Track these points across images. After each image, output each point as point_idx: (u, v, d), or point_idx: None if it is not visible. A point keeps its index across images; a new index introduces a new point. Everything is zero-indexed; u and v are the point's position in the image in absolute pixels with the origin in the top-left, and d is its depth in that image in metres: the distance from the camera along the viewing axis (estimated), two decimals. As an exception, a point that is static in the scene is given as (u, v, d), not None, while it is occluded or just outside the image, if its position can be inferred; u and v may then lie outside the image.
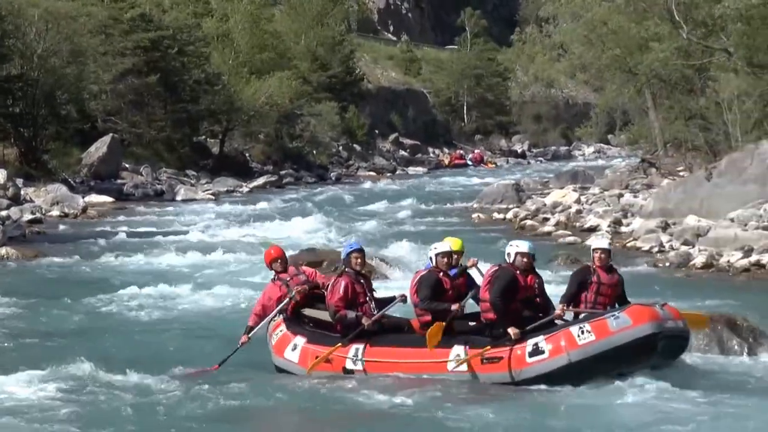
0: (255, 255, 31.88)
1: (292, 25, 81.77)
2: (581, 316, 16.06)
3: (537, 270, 16.83)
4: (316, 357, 16.16)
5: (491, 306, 15.49)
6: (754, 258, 30.11)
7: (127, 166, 58.12)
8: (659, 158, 53.01)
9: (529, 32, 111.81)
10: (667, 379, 15.45)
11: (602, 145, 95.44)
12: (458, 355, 15.50)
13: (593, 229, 39.10)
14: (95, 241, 36.71)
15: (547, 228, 41.39)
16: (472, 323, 16.27)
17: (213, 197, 56.85)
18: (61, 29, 52.99)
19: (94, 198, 50.76)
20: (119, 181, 55.92)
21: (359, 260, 16.27)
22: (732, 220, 33.62)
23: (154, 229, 41.26)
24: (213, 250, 34.64)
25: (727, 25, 41.30)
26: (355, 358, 16.14)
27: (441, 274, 15.85)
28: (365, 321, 15.67)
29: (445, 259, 16.11)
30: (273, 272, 17.05)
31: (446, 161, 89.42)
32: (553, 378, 15.15)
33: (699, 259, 31.10)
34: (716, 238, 32.61)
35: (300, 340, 16.41)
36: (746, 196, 34.93)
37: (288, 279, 16.65)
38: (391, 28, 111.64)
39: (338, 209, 51.58)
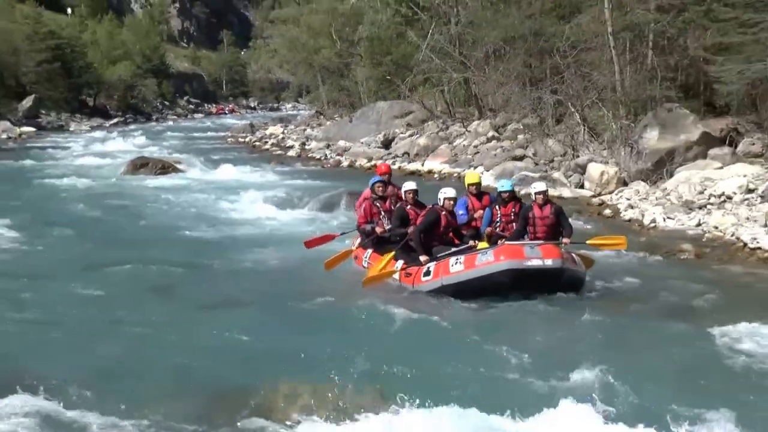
0: (118, 158, 40.91)
1: (131, 36, 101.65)
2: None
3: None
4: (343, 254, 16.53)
5: (413, 237, 15.17)
6: (373, 162, 36.50)
7: (42, 111, 75.41)
8: (325, 110, 57.63)
9: (257, 42, 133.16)
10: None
11: (296, 103, 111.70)
12: (397, 267, 15.11)
13: (291, 147, 46.40)
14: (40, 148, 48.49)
15: (267, 147, 49.36)
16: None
17: (90, 129, 72.73)
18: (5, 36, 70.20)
19: (25, 128, 64.68)
20: (38, 119, 72.46)
21: (380, 188, 16.42)
22: (362, 142, 40.39)
23: (62, 143, 53.55)
24: (99, 153, 45.00)
25: (361, 41, 48.40)
26: (365, 259, 16.19)
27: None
28: (378, 229, 16.04)
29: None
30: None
31: (214, 111, 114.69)
32: (436, 294, 14.38)
33: (345, 163, 38.20)
34: (354, 152, 39.42)
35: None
36: (369, 130, 41.98)
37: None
38: (184, 39, 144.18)
39: (156, 134, 62.65)
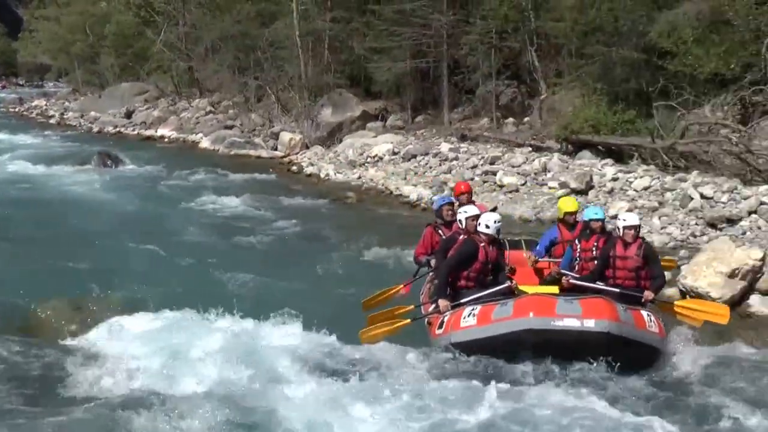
0: None
1: None
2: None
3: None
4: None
5: (437, 275, 9.09)
6: (117, 129, 34.98)
7: None
8: (80, 88, 52.02)
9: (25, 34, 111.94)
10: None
11: (57, 82, 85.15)
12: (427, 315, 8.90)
13: (52, 116, 42.45)
14: None
15: (33, 115, 44.82)
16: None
17: None
18: None
19: None
20: None
21: (450, 212, 9.68)
22: (109, 113, 37.81)
23: None
24: None
25: (109, 36, 44.73)
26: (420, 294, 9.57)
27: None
28: (433, 263, 9.37)
29: (475, 222, 8.88)
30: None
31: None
32: (448, 354, 8.13)
33: (95, 129, 35.74)
34: (103, 120, 36.76)
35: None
36: (115, 104, 39.08)
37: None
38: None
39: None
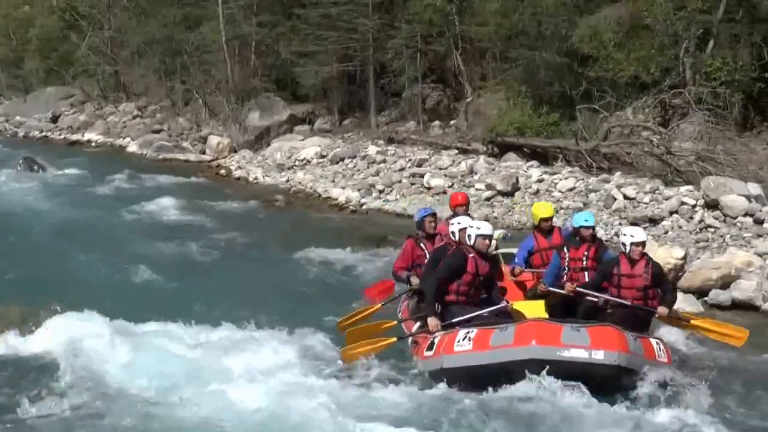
0: None
1: None
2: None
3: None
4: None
5: (424, 289, 8.22)
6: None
7: None
8: (4, 92, 47.33)
9: None
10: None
11: None
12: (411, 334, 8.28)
13: None
14: None
15: None
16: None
17: None
18: None
19: None
20: None
21: (432, 223, 9.14)
22: (35, 118, 35.70)
23: None
24: None
25: (33, 40, 43.30)
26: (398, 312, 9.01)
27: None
28: (413, 279, 8.84)
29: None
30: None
31: None
32: (437, 379, 7.37)
33: (21, 134, 34.51)
34: (29, 125, 35.25)
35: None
36: (40, 109, 36.63)
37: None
38: None
39: None
